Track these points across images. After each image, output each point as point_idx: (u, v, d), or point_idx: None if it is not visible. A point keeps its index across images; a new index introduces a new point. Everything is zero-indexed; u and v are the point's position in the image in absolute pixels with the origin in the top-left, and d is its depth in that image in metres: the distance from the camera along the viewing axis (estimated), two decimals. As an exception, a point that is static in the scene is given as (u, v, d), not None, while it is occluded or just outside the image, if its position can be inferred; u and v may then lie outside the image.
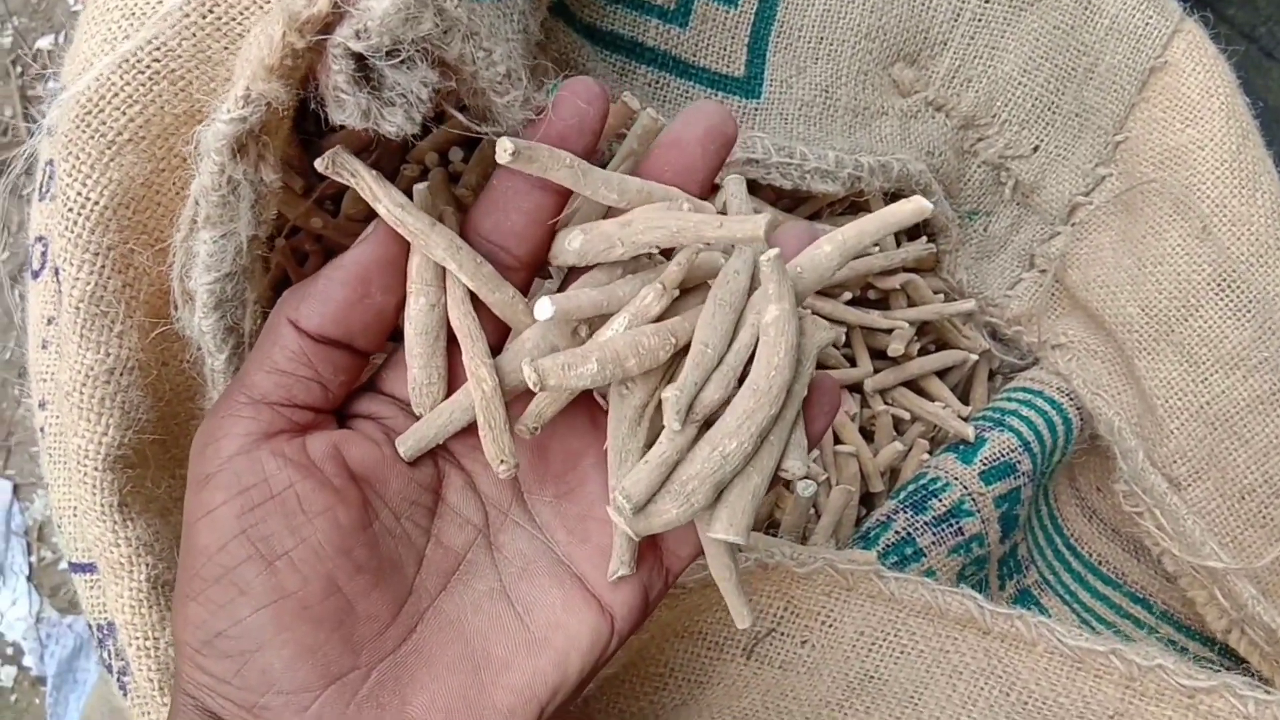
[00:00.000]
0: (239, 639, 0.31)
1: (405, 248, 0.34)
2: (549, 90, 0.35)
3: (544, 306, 0.32)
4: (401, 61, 0.31)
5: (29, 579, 1.15)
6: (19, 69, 1.23)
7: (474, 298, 0.35)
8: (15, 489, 1.16)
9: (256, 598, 0.31)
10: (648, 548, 0.36)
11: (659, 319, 0.34)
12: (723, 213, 0.36)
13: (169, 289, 0.39)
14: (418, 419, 0.35)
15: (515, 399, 0.36)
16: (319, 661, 0.31)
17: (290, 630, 0.31)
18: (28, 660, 1.12)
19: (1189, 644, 0.62)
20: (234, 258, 0.38)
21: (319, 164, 0.34)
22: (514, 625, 0.35)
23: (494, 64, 0.33)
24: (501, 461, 0.34)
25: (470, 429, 0.35)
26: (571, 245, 0.35)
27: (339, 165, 0.34)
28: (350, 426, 0.36)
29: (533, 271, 0.36)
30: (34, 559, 1.16)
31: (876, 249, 0.59)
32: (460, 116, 0.34)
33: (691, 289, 0.36)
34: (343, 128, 0.40)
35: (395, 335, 0.36)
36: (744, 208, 0.37)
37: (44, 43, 1.22)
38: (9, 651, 1.13)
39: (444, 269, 0.35)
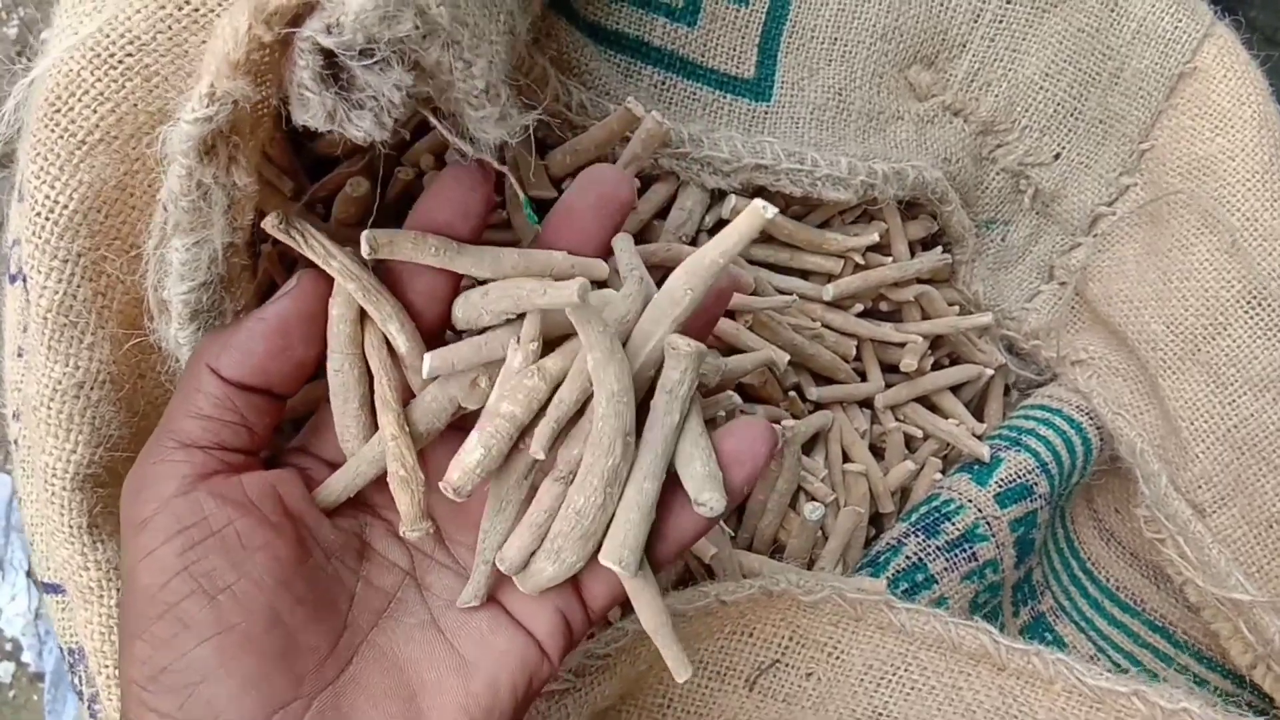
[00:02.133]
0: (184, 672, 0.31)
1: (325, 302, 0.35)
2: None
3: (425, 364, 0.34)
4: (375, 63, 0.28)
5: (28, 575, 1.14)
6: (25, 60, 1.21)
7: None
8: (14, 485, 1.15)
9: (201, 631, 0.31)
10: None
11: None
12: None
13: (143, 298, 0.37)
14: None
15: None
16: (263, 692, 0.32)
17: (235, 661, 0.32)
18: (26, 656, 1.11)
19: (1210, 676, 0.60)
20: (209, 266, 0.36)
21: (266, 225, 0.34)
22: (444, 651, 0.36)
23: (473, 77, 0.31)
24: (414, 529, 0.35)
25: (385, 484, 0.36)
26: (456, 314, 0.36)
27: (289, 226, 0.34)
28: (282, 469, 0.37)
29: (439, 340, 0.37)
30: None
31: (889, 259, 0.57)
32: (439, 124, 0.32)
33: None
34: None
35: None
36: (631, 264, 0.38)
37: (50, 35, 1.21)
38: (7, 648, 1.12)
39: (358, 335, 0.36)
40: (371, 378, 0.36)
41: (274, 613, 0.32)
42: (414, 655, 0.35)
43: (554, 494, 0.35)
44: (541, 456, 0.34)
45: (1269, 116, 0.54)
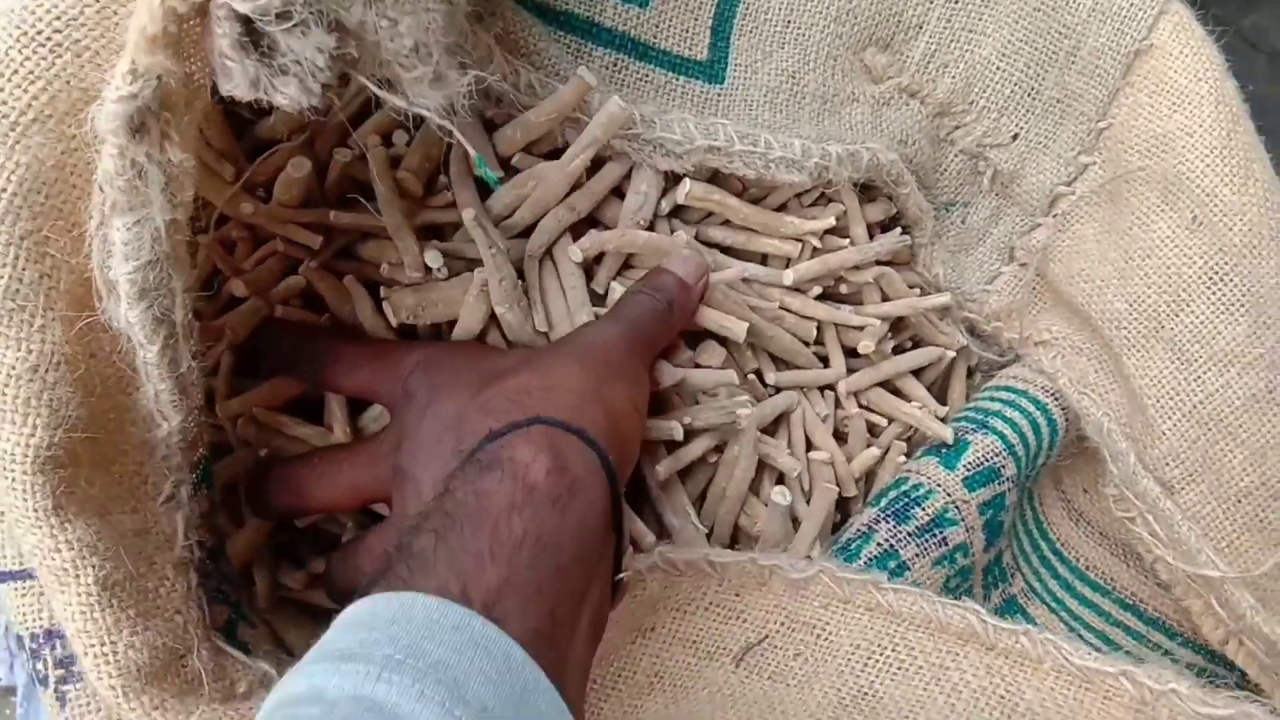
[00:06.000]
0: None
1: None
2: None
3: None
4: (294, 25, 0.28)
5: (-4, 590, 1.13)
6: None
7: None
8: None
9: None
10: None
11: None
12: None
13: (91, 278, 0.37)
14: None
15: None
16: None
17: None
18: (-3, 670, 1.10)
19: (1181, 653, 0.59)
20: (152, 244, 0.36)
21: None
22: None
23: (400, 35, 0.31)
24: None
25: None
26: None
27: None
28: None
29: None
30: (7, 569, 1.14)
31: (847, 241, 0.57)
32: (370, 85, 0.31)
33: None
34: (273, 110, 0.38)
35: None
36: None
37: None
38: (-23, 661, 1.11)
39: None
40: None
41: None
42: None
43: None
44: None
45: (1225, 92, 0.54)
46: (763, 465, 0.56)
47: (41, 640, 0.45)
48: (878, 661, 0.47)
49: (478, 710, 0.30)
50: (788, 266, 0.56)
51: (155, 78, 0.30)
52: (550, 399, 0.43)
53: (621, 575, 0.43)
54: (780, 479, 0.56)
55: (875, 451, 0.58)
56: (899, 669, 0.47)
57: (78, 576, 0.39)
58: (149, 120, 0.32)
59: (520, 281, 0.51)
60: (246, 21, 0.29)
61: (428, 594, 0.33)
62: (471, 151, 0.31)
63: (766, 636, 0.48)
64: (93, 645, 0.40)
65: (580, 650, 0.38)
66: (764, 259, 0.57)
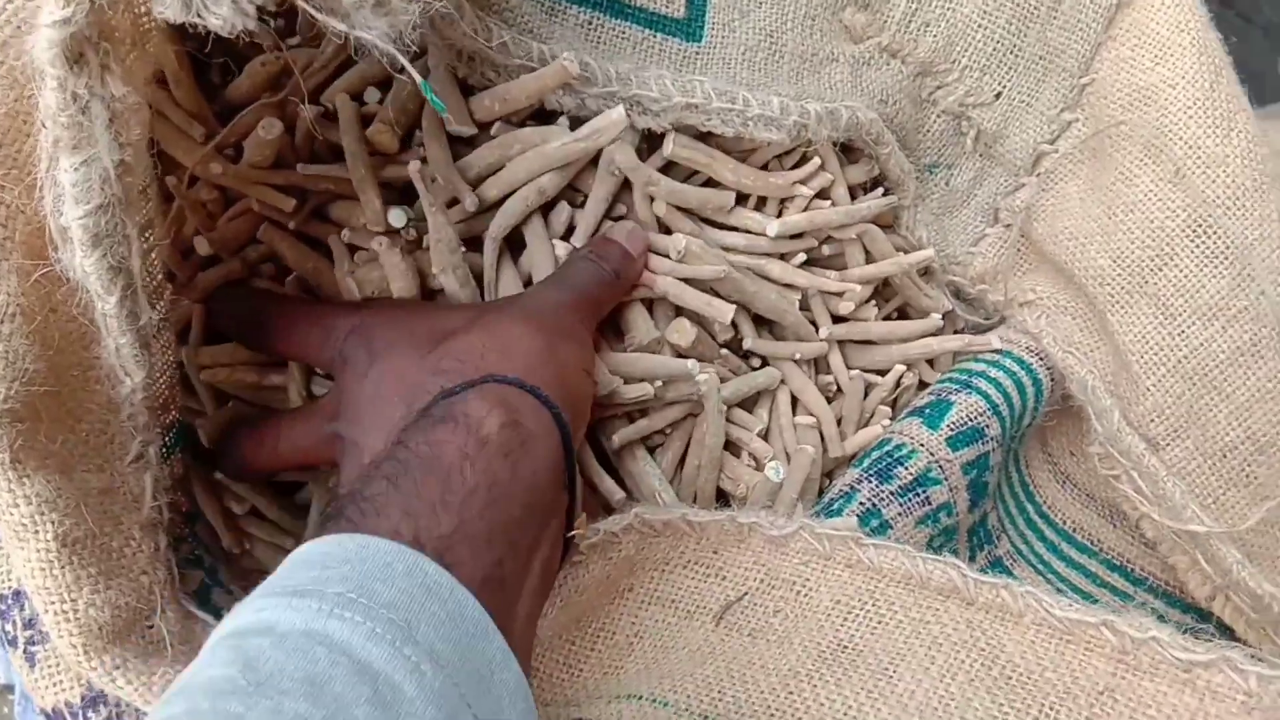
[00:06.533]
0: None
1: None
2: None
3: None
4: (221, -56, 0.28)
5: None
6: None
7: None
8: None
9: None
10: None
11: None
12: None
13: (47, 227, 0.37)
14: None
15: None
16: None
17: None
18: (-7, 668, 1.10)
19: (1170, 612, 0.59)
20: (102, 187, 0.35)
21: None
22: None
23: None
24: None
25: None
26: None
27: None
28: None
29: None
30: None
31: (829, 202, 0.56)
32: (308, 8, 0.31)
33: None
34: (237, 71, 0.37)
35: None
36: None
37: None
38: (-27, 661, 1.10)
39: None
40: None
41: None
42: None
43: None
44: None
45: (1208, 42, 0.53)
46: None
47: (10, 601, 0.45)
48: (857, 616, 0.46)
49: (427, 651, 0.30)
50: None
51: (89, 1, 0.30)
52: (504, 359, 0.43)
53: (572, 533, 0.44)
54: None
55: (878, 430, 0.57)
56: (879, 623, 0.46)
57: (36, 532, 0.39)
58: (86, 49, 0.31)
59: (462, 249, 0.50)
60: (174, -61, 0.28)
61: (380, 537, 0.33)
62: (416, 77, 0.30)
63: (746, 594, 0.47)
64: (53, 602, 0.40)
65: (528, 601, 0.39)
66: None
